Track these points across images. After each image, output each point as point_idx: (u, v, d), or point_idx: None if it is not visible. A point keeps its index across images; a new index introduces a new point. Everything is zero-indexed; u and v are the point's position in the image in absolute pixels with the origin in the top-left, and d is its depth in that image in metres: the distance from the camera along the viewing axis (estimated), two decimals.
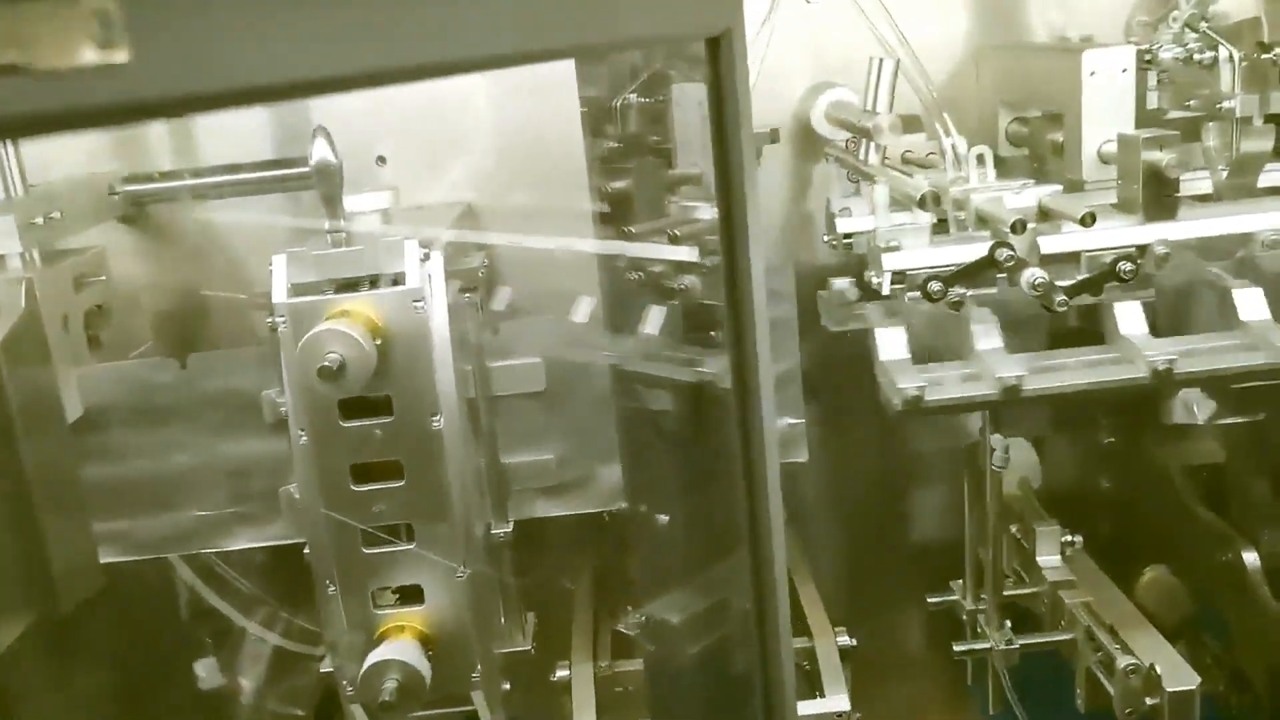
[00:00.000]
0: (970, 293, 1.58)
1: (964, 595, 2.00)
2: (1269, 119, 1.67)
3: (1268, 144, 1.68)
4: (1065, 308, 1.49)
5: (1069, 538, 1.96)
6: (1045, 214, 1.58)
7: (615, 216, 1.90)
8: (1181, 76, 1.86)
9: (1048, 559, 1.94)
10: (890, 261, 1.62)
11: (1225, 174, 1.73)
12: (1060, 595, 1.90)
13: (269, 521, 1.79)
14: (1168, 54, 1.88)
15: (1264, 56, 1.65)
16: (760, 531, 1.13)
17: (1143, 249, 1.60)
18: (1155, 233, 1.59)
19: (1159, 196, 1.56)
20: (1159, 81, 1.97)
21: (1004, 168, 2.21)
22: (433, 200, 2.04)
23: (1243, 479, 2.10)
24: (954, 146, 1.61)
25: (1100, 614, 1.85)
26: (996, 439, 1.74)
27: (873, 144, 1.73)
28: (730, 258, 1.08)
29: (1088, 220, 1.43)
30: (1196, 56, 1.79)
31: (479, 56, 0.73)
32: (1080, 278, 1.56)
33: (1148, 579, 2.38)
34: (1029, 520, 2.01)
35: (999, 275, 1.55)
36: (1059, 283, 1.53)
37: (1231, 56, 1.67)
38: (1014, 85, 2.03)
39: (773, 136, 2.02)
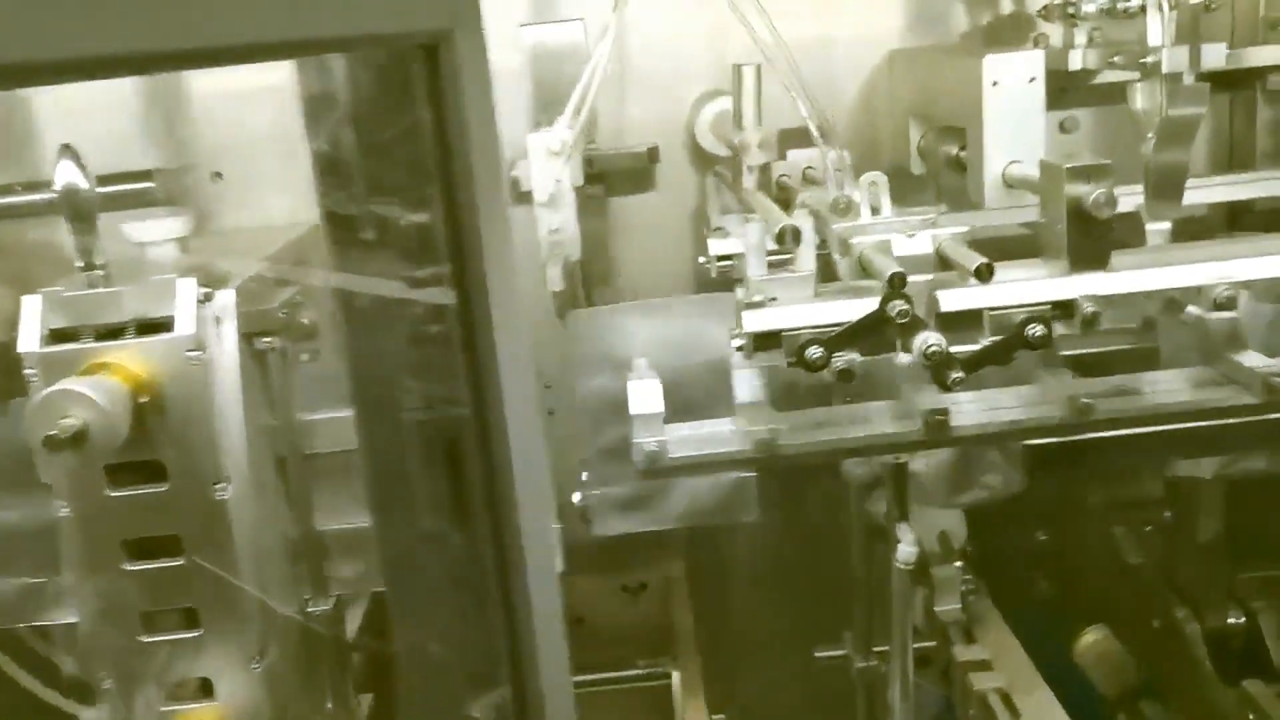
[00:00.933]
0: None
1: (854, 649, 1.78)
2: (1204, 77, 1.43)
3: (1201, 106, 1.43)
4: (959, 386, 1.24)
5: (970, 585, 1.71)
6: (946, 261, 1.34)
7: None
8: (1110, 30, 1.62)
9: (947, 608, 1.70)
10: (751, 321, 1.30)
11: (1153, 144, 1.47)
12: (954, 654, 1.67)
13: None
14: (1092, 5, 1.64)
15: (1193, 2, 1.41)
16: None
17: (1067, 305, 1.30)
18: (1081, 286, 1.29)
19: (1086, 240, 1.31)
20: (1089, 39, 1.73)
21: (914, 192, 2.00)
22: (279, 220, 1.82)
23: (1188, 538, 1.88)
24: (836, 169, 1.39)
25: (998, 681, 1.63)
26: (903, 530, 1.49)
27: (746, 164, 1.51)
28: (467, 306, 0.85)
29: (984, 273, 1.19)
30: (1121, 5, 1.55)
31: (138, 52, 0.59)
32: (987, 342, 1.31)
33: (1088, 641, 2.17)
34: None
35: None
36: (959, 349, 1.28)
37: (1161, 4, 1.44)
38: (923, 95, 1.80)
39: (651, 156, 1.80)
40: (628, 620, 2.11)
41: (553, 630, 0.94)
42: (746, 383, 1.36)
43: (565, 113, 1.41)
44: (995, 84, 1.45)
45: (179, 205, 1.72)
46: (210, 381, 1.32)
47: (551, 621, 0.94)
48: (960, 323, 1.31)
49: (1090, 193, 1.26)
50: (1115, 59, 1.47)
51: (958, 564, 1.72)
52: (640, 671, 2.01)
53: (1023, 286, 1.30)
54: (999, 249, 1.36)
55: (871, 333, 1.25)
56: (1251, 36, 1.89)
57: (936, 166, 1.77)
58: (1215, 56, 1.39)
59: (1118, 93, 1.47)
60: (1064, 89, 1.81)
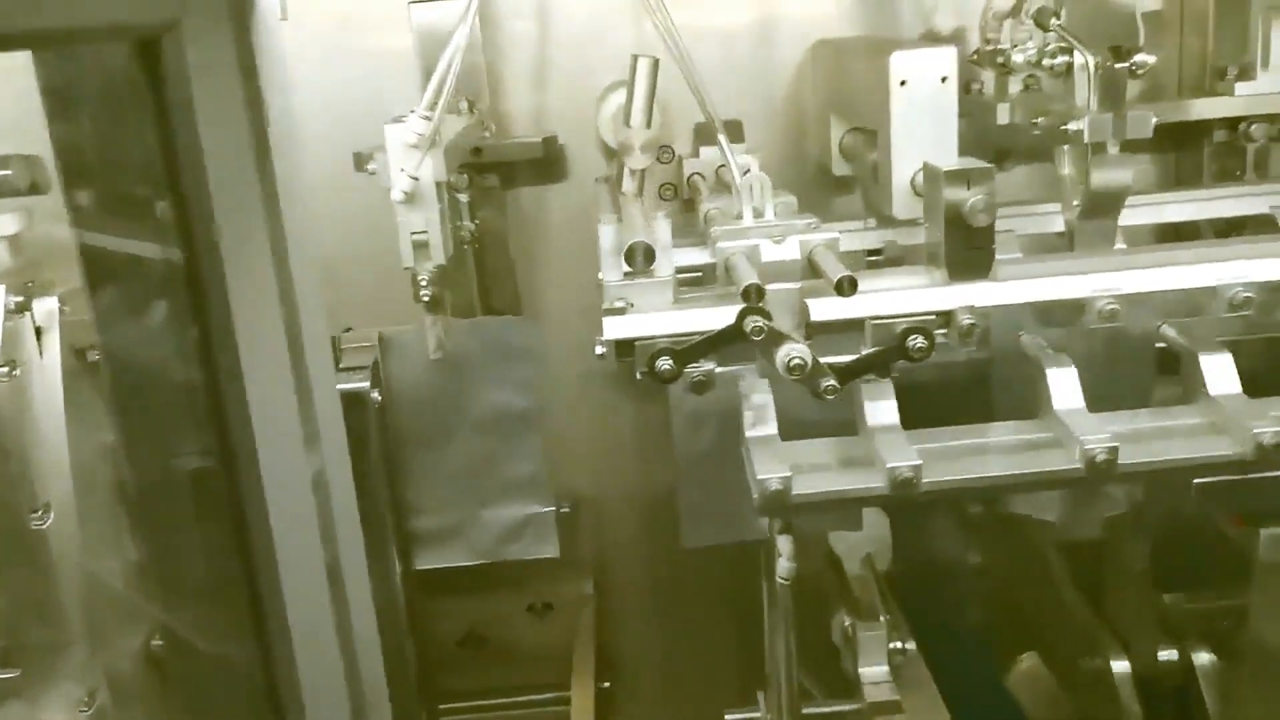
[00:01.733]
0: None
1: (767, 712, 1.65)
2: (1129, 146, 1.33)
3: (1125, 176, 1.34)
4: (834, 396, 1.13)
5: (898, 645, 1.59)
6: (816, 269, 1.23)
7: None
8: (1046, 85, 1.52)
9: (872, 670, 1.58)
10: (612, 328, 1.21)
11: (1078, 212, 1.38)
12: None
13: None
14: (1021, 56, 1.53)
15: (1118, 65, 1.30)
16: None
17: (948, 316, 1.22)
18: (959, 296, 1.21)
19: (966, 249, 1.20)
20: (1025, 88, 1.63)
21: (840, 194, 1.88)
22: None
23: (1121, 568, 1.76)
24: (720, 171, 1.27)
25: None
26: (783, 541, 1.37)
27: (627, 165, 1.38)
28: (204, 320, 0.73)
29: (844, 287, 1.08)
30: (1047, 61, 1.44)
31: None
32: (865, 353, 1.20)
33: (1021, 669, 2.06)
34: (859, 614, 1.66)
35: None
36: (833, 360, 1.18)
37: (1087, 64, 1.33)
38: (839, 91, 1.67)
39: (548, 147, 1.67)
40: (533, 641, 1.99)
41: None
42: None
43: (422, 101, 1.28)
44: (903, 83, 1.32)
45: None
46: (24, 401, 1.19)
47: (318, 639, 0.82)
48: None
49: (968, 199, 1.16)
50: (1038, 121, 1.37)
51: (883, 620, 1.60)
52: (540, 696, 1.90)
53: (896, 296, 1.21)
54: None
55: (728, 344, 1.15)
56: (1199, 84, 1.78)
57: (860, 168, 1.65)
58: (1141, 126, 1.30)
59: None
60: (1003, 151, 1.72)
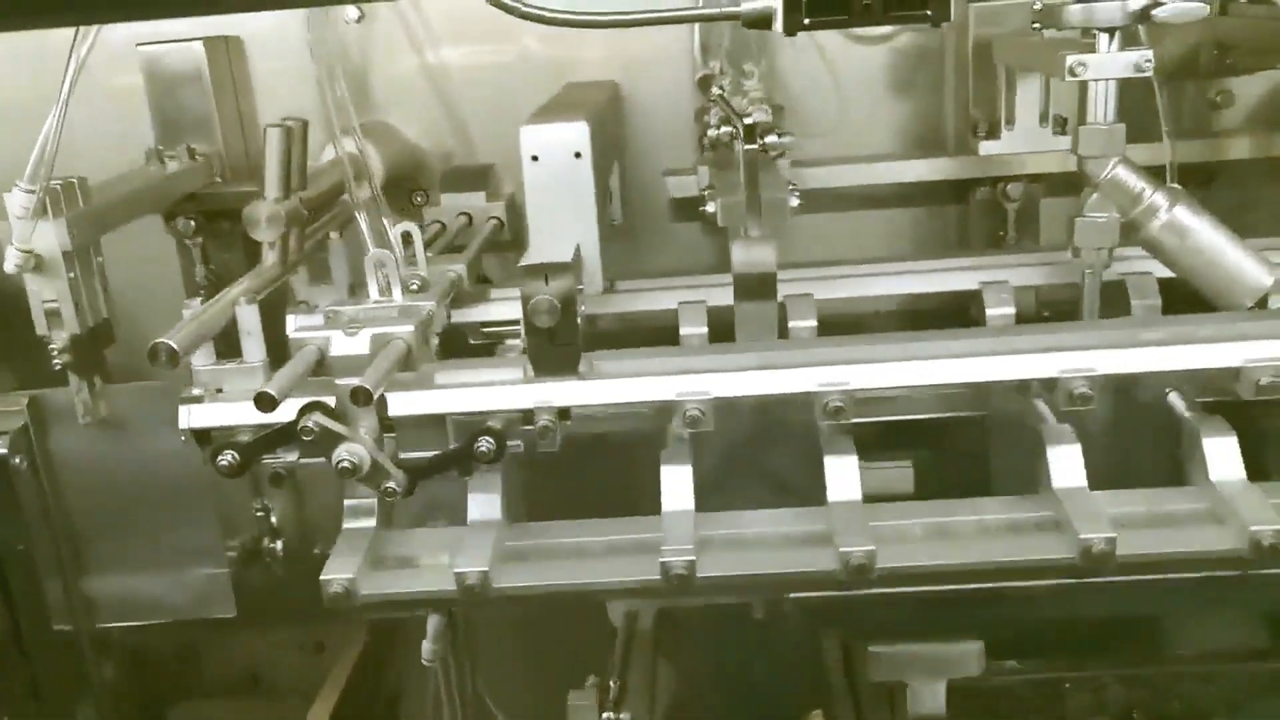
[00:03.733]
0: None
1: None
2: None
3: (768, 257, 1.26)
4: (396, 498, 1.10)
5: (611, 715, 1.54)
6: None
7: None
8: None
9: None
10: (187, 417, 1.17)
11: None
12: None
13: None
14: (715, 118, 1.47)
15: (748, 147, 1.23)
16: None
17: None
18: (540, 395, 1.15)
19: (543, 345, 1.13)
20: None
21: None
22: None
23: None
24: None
25: None
26: (431, 622, 1.34)
27: None
28: None
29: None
30: (712, 131, 1.38)
31: None
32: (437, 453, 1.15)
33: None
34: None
35: None
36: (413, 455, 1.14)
37: (735, 140, 1.26)
38: None
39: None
40: (307, 681, 1.97)
41: None
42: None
43: (28, 168, 1.24)
44: (535, 158, 1.27)
45: None
46: None
47: None
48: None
49: (532, 296, 1.10)
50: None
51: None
52: None
53: (478, 393, 1.17)
54: None
55: (285, 443, 1.12)
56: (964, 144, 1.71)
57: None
58: (777, 213, 1.24)
59: None
60: None
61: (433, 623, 1.36)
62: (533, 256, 1.29)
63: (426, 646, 1.35)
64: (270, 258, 1.32)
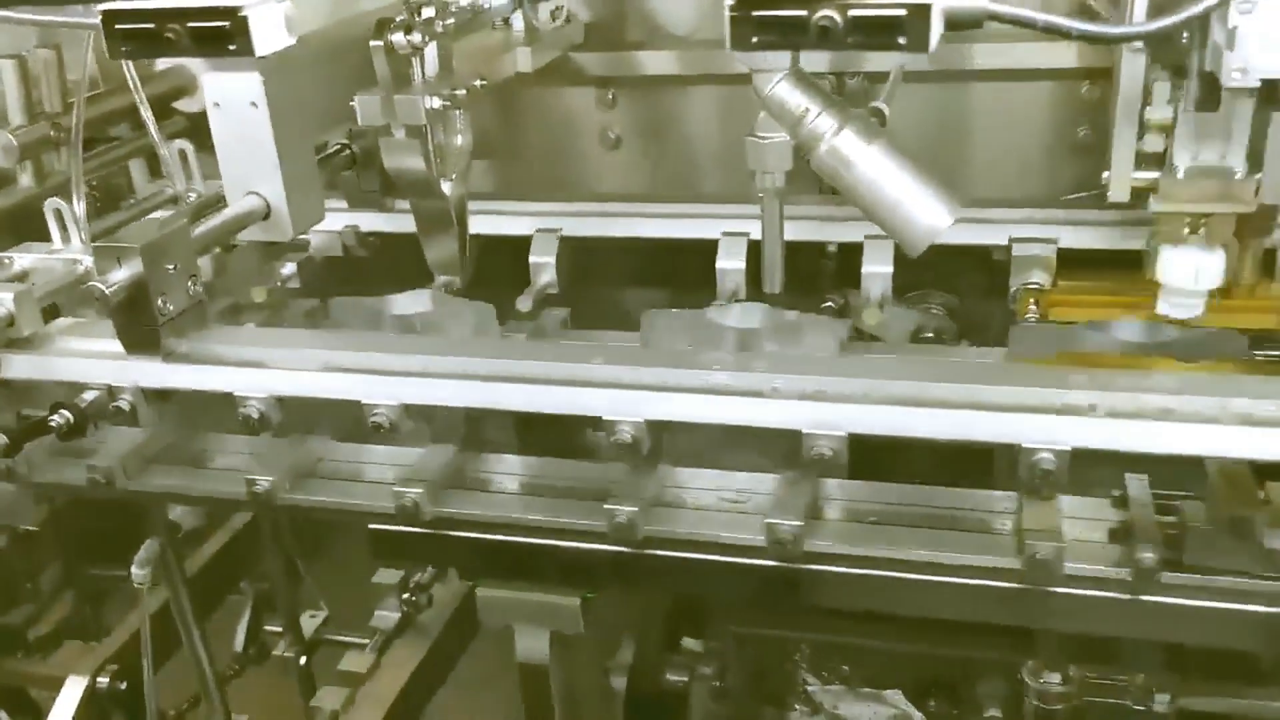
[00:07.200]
0: None
1: None
2: None
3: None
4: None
5: None
6: None
7: None
8: None
9: None
10: None
11: None
12: None
13: None
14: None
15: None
16: None
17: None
18: (126, 373, 1.12)
19: (129, 321, 1.08)
20: None
21: None
22: None
23: None
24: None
25: None
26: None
27: None
28: None
29: None
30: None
31: None
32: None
33: None
34: None
35: None
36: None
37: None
38: None
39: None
40: None
41: None
42: None
43: None
44: (216, 105, 1.16)
45: None
46: None
47: None
48: None
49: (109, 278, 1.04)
50: None
51: None
52: None
53: (76, 363, 1.15)
54: None
55: None
56: None
57: None
58: (411, 112, 1.16)
59: None
60: None
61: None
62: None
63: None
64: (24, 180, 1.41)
